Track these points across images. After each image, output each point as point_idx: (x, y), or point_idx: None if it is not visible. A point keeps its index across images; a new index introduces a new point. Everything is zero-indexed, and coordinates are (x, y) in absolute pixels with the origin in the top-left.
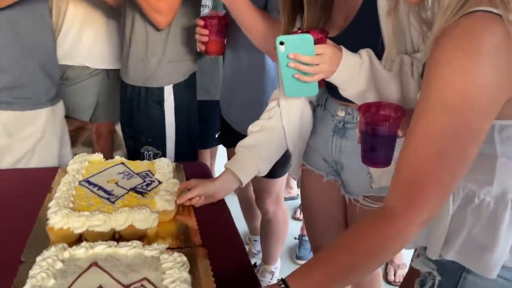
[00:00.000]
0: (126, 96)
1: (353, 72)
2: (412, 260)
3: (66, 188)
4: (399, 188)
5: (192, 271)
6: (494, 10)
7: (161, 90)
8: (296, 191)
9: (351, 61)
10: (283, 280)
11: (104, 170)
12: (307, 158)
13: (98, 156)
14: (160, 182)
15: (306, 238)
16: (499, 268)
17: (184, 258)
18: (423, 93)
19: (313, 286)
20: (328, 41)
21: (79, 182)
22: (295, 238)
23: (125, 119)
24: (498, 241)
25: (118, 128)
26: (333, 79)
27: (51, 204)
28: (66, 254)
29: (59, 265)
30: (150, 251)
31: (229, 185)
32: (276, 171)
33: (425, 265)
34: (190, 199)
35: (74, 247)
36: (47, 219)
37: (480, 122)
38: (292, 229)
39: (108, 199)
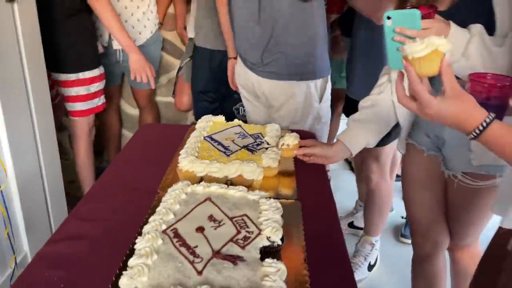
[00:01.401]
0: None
1: (460, 47)
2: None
3: (194, 141)
4: None
5: (286, 218)
6: None
7: None
8: None
9: (459, 36)
10: (491, 116)
11: (224, 130)
12: (410, 133)
13: (220, 118)
14: (268, 144)
15: None
16: None
17: (279, 205)
18: None
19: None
20: (436, 16)
21: (204, 137)
22: (402, 217)
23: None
24: None
25: None
26: None
27: (182, 152)
28: (189, 189)
29: (183, 196)
30: (252, 196)
31: (341, 153)
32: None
33: None
34: (305, 155)
35: (195, 184)
36: (178, 163)
37: None
38: (400, 208)
39: (224, 152)
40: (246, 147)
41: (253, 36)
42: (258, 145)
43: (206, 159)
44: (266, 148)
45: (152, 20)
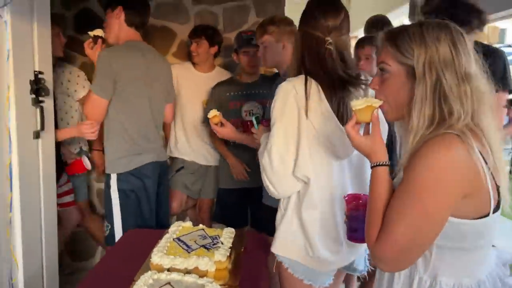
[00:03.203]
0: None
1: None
2: None
3: (164, 241)
4: (381, 234)
5: None
6: (454, 132)
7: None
8: None
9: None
10: (384, 162)
11: (191, 233)
12: None
13: (189, 223)
14: (222, 243)
15: None
16: None
17: (218, 286)
18: (404, 189)
19: None
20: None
21: (173, 239)
22: None
23: None
24: None
25: None
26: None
27: (154, 250)
28: (155, 276)
29: (150, 281)
30: (201, 281)
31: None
32: None
33: None
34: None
35: (160, 273)
36: (151, 258)
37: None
38: None
39: (187, 250)
40: (204, 246)
41: None
42: (214, 244)
43: (172, 255)
44: (219, 247)
45: None
